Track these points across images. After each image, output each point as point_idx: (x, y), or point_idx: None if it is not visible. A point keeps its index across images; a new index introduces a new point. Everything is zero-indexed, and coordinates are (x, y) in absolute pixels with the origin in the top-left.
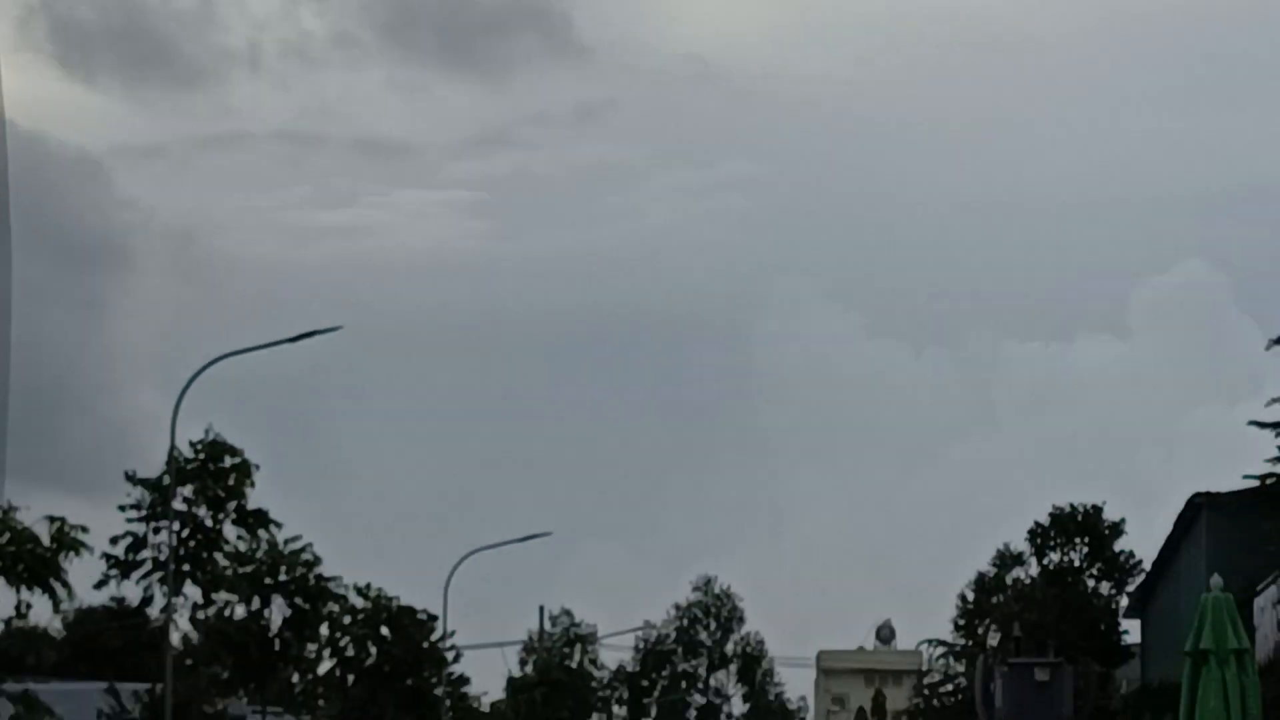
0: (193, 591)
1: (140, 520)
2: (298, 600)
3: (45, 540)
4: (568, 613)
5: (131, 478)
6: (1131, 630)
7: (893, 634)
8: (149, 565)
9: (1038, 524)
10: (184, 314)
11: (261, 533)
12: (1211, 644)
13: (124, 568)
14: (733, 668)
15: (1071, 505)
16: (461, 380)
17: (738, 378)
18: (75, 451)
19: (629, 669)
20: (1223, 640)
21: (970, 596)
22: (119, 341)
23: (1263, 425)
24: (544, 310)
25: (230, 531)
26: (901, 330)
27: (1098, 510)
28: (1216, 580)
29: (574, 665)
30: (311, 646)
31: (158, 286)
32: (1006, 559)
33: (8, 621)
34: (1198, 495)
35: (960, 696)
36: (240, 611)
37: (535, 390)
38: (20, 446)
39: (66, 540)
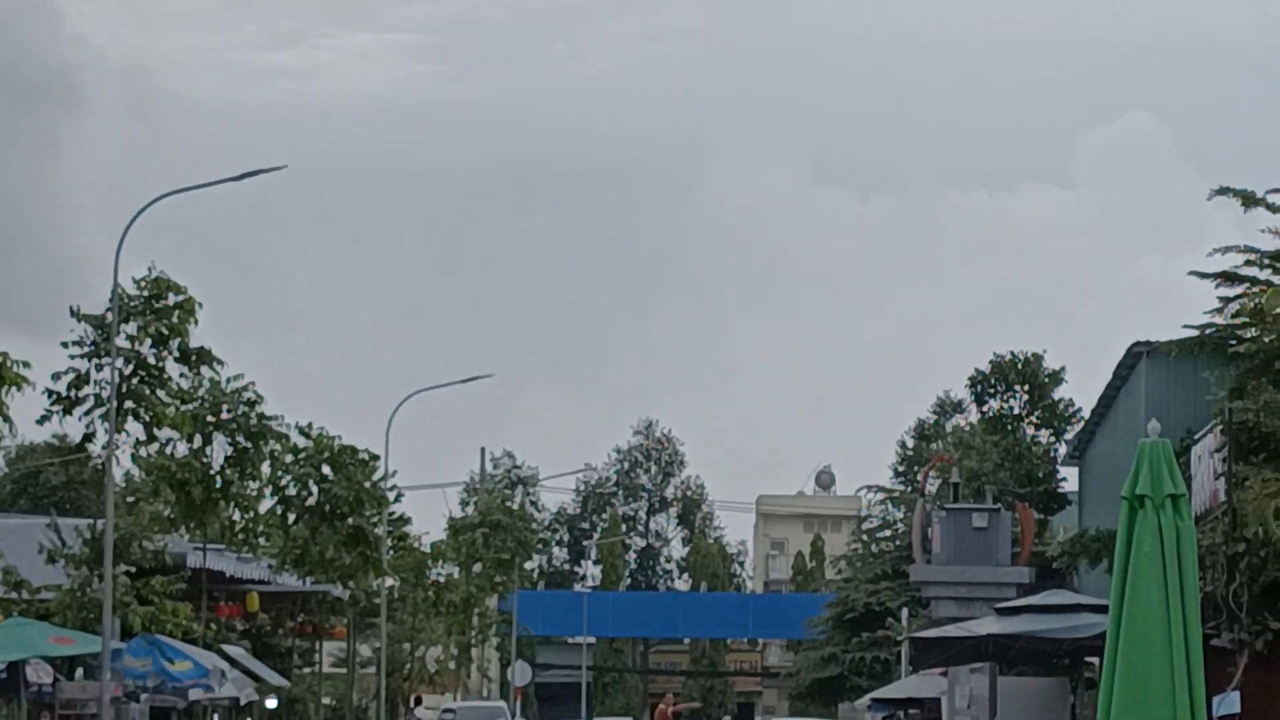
0: (135, 428)
1: (83, 356)
2: (239, 439)
3: None
4: (509, 454)
5: (76, 314)
6: (1069, 478)
7: (832, 480)
8: (91, 402)
9: (978, 371)
10: (133, 153)
11: (204, 370)
12: (1148, 488)
13: (66, 404)
14: (672, 511)
15: (1012, 353)
16: (406, 223)
17: (682, 223)
18: (22, 288)
19: (569, 511)
20: (1159, 485)
21: (910, 443)
22: (67, 179)
23: (1203, 275)
24: (489, 154)
25: (173, 369)
26: (846, 178)
27: (1038, 358)
28: (1154, 426)
29: (515, 507)
30: (253, 485)
31: (107, 125)
32: (946, 406)
33: None
34: (1137, 344)
35: (898, 542)
36: (182, 449)
37: (480, 233)
38: None
39: (8, 375)
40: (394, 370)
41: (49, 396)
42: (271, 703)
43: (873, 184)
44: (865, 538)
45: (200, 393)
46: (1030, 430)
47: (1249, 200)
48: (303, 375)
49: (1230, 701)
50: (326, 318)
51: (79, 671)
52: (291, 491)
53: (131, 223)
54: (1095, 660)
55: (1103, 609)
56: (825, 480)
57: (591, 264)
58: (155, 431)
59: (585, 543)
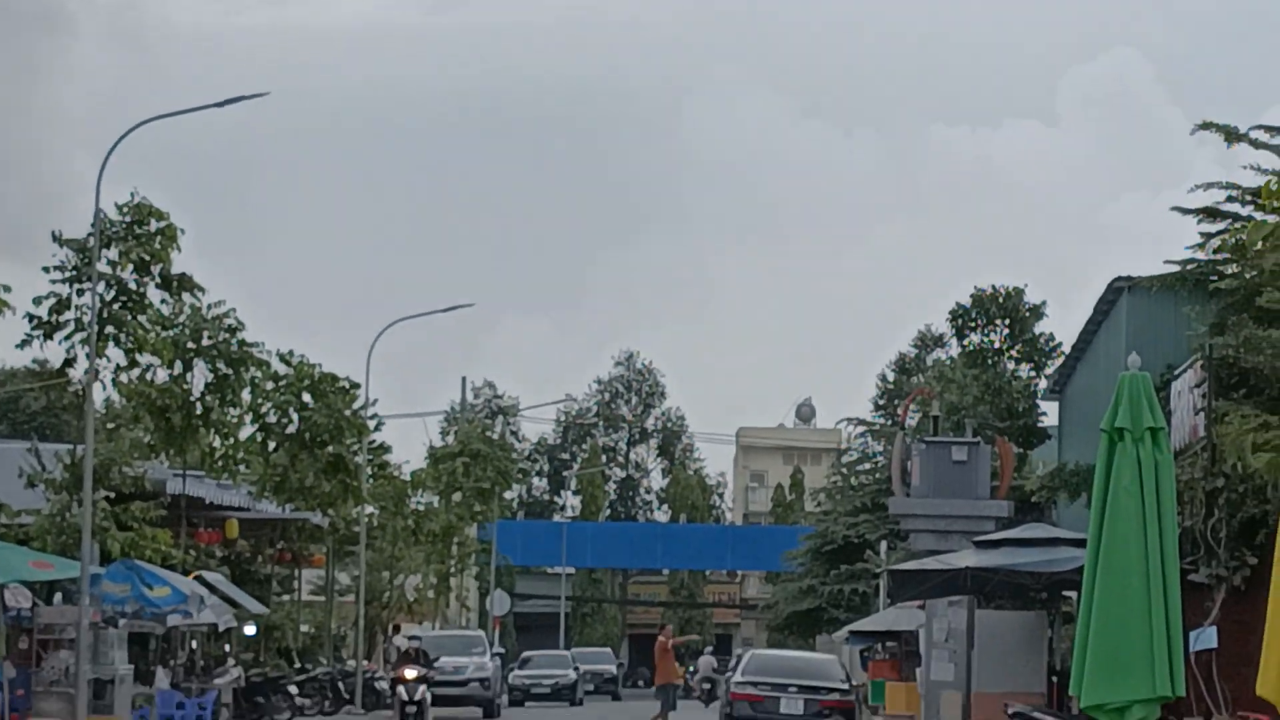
0: (116, 354)
1: (65, 281)
2: (220, 365)
3: None
4: (490, 384)
5: (57, 238)
6: (1049, 412)
7: (813, 412)
8: (72, 326)
9: (959, 305)
10: (118, 78)
11: (186, 297)
12: (1128, 422)
13: (47, 328)
14: (653, 442)
15: (993, 287)
16: (389, 150)
17: (666, 155)
18: (4, 212)
19: (550, 441)
20: (1139, 418)
21: (890, 377)
22: (52, 104)
23: (1185, 211)
24: (476, 84)
25: (154, 295)
26: (830, 112)
27: (1019, 292)
28: (1134, 359)
29: (495, 436)
30: (233, 411)
31: (93, 50)
32: (927, 340)
33: None
34: (1118, 279)
35: (878, 475)
36: (162, 375)
37: (465, 162)
38: None
39: None
40: (375, 298)
41: (30, 321)
42: (250, 629)
43: (857, 118)
44: (845, 470)
45: (181, 319)
46: (1010, 364)
47: (1232, 136)
48: (284, 303)
49: (1207, 636)
50: (308, 245)
51: (58, 596)
52: (272, 419)
53: (114, 147)
54: (1073, 594)
55: (1081, 543)
56: (805, 413)
57: (575, 194)
58: (136, 357)
59: (565, 473)
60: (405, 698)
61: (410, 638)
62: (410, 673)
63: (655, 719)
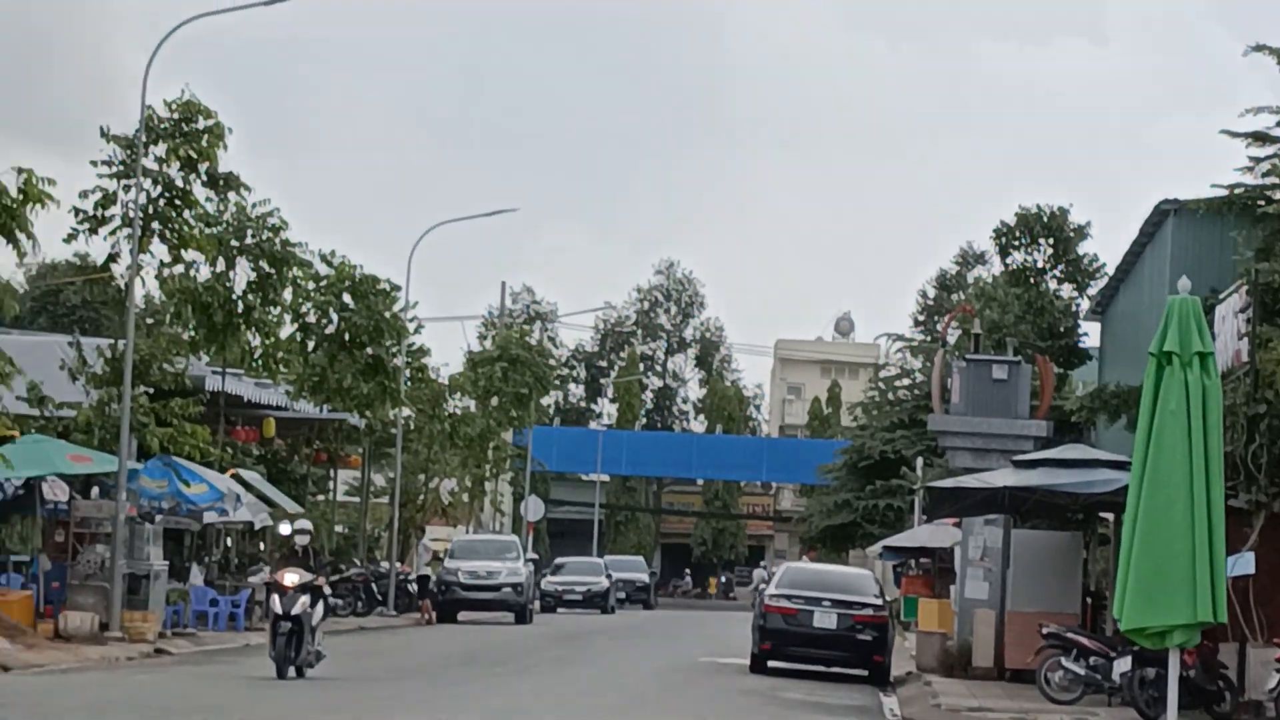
0: (160, 250)
1: (111, 176)
2: (262, 264)
3: (12, 191)
4: (529, 290)
5: (105, 133)
6: (1091, 333)
7: (852, 326)
8: (118, 222)
9: (1003, 223)
10: None
11: (231, 195)
12: (1176, 345)
13: (93, 223)
14: (691, 352)
15: (1038, 206)
16: (438, 55)
17: (711, 64)
18: (57, 107)
19: (588, 349)
20: (1187, 342)
21: (931, 293)
22: None
23: (1234, 135)
24: None
25: (200, 193)
26: (876, 24)
27: (1064, 212)
28: (1184, 283)
29: (533, 342)
30: (274, 310)
31: None
32: (969, 258)
33: None
34: (1165, 201)
35: (916, 391)
36: (205, 272)
37: (510, 68)
38: (2, 101)
39: (33, 192)
40: (418, 201)
41: (76, 215)
42: (285, 528)
43: (903, 31)
44: (882, 386)
45: (226, 217)
46: (1053, 284)
47: None
48: (328, 203)
49: (1245, 562)
50: (354, 146)
51: (95, 490)
52: (312, 319)
53: (161, 44)
54: (1109, 516)
55: (1119, 465)
56: (844, 327)
57: (619, 101)
58: (180, 254)
59: (602, 381)
60: (279, 610)
61: (297, 531)
62: (291, 578)
63: None
